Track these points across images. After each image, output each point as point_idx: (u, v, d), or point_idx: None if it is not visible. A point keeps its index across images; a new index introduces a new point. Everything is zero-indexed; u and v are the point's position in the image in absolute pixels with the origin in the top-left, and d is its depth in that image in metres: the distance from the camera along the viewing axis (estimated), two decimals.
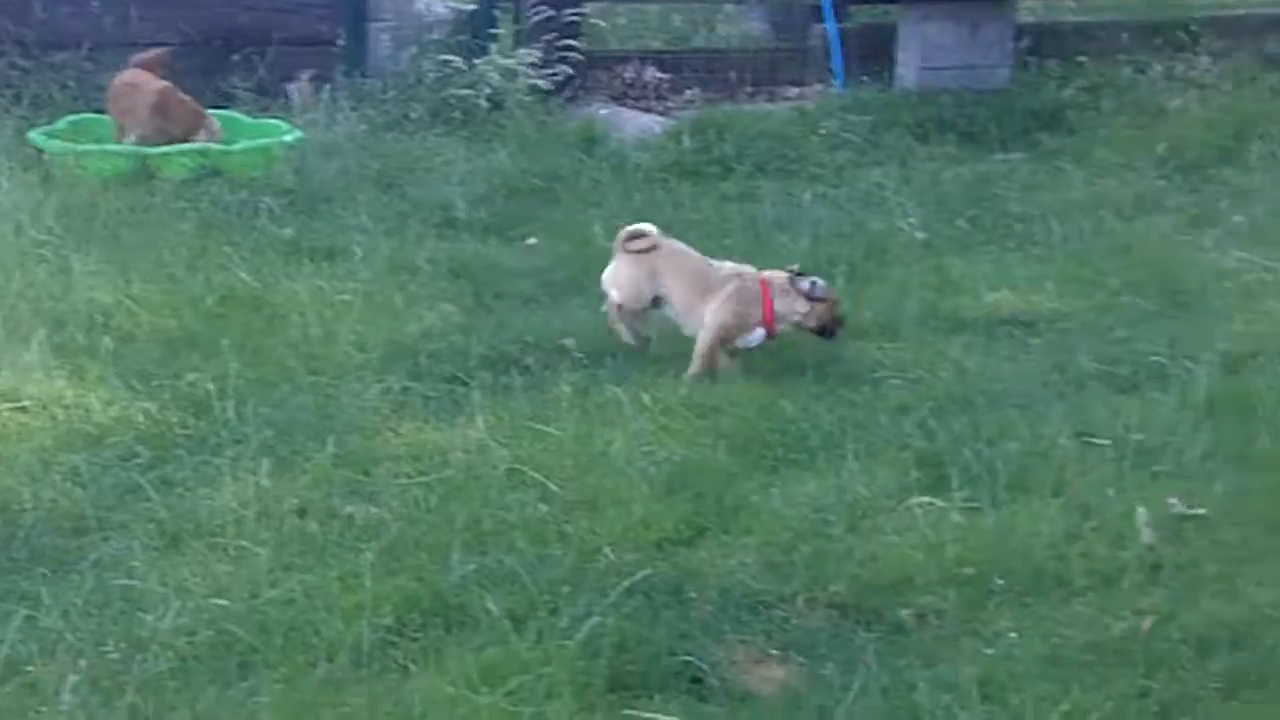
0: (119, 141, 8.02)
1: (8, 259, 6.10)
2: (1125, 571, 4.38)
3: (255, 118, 8.57)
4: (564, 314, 6.18)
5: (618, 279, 5.88)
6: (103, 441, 5.00)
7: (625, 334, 5.89)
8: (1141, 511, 4.60)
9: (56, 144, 7.82)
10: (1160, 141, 8.61)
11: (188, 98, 8.14)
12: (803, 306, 5.78)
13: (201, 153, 7.87)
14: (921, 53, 9.45)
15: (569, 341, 5.84)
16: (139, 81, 8.15)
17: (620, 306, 5.87)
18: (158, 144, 7.89)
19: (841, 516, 4.64)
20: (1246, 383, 5.53)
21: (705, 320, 5.74)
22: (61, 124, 8.23)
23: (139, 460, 4.89)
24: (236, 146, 8.04)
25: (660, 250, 5.89)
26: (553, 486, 4.76)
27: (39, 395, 5.23)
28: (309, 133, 8.27)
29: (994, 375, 5.71)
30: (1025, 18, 10.23)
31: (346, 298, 6.20)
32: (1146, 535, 4.53)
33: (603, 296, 5.96)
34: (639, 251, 5.89)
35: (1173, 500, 4.70)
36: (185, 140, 7.97)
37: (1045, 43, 9.95)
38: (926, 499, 4.71)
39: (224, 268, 6.45)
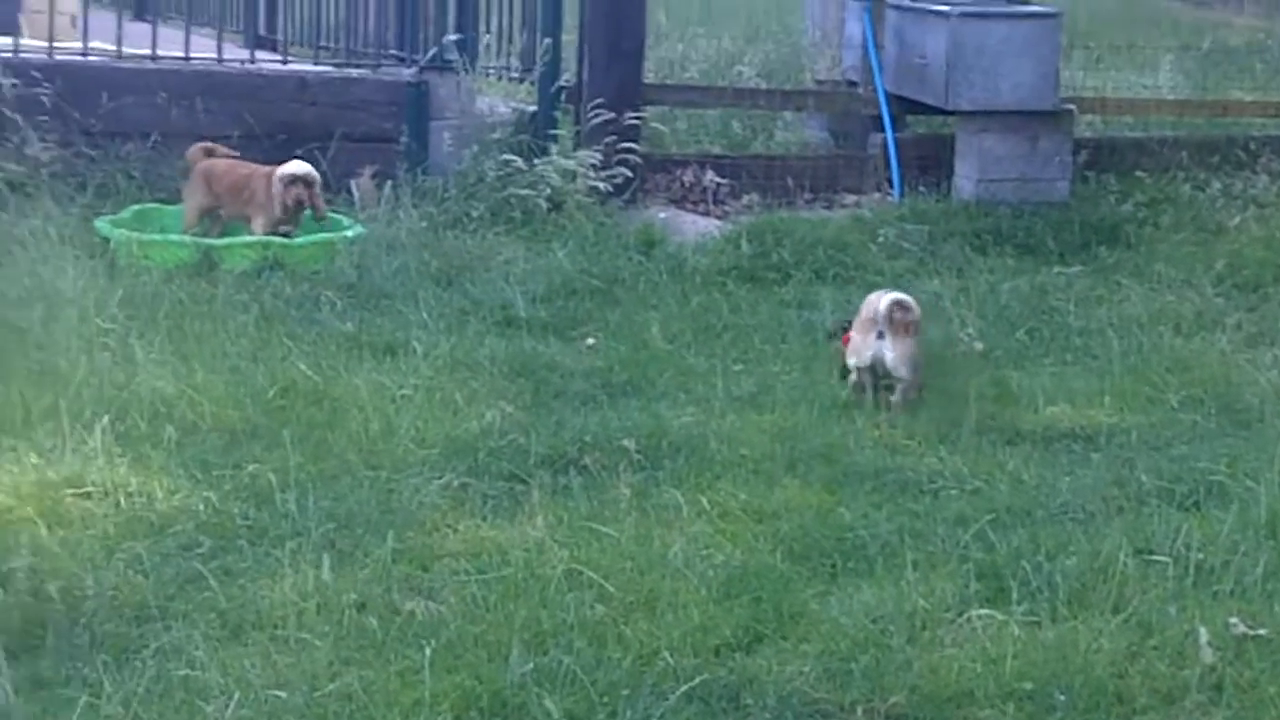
0: (253, 232, 8.10)
1: (73, 346, 6.17)
2: (1187, 691, 4.35)
3: None
4: (622, 414, 6.21)
5: (904, 357, 6.33)
6: (165, 530, 5.04)
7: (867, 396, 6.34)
8: (1203, 631, 4.58)
9: (121, 233, 7.92)
10: (1219, 259, 8.63)
11: None
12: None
13: (264, 245, 7.96)
14: (979, 164, 9.51)
15: (628, 442, 5.86)
16: (251, 170, 8.27)
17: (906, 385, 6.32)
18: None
19: (900, 626, 4.64)
20: None
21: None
22: (126, 213, 8.34)
23: (201, 549, 4.93)
24: (299, 240, 8.14)
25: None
26: (611, 588, 4.77)
27: (103, 482, 5.27)
28: (371, 228, 8.36)
29: (1052, 489, 5.71)
30: (1084, 132, 10.30)
31: (407, 393, 6.25)
32: (1208, 655, 4.50)
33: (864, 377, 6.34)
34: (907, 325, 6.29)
35: (1234, 620, 4.67)
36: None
37: (1104, 157, 10.01)
38: (986, 611, 4.70)
39: (285, 360, 6.51)
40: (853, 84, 10.38)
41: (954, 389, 6.64)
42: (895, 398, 6.37)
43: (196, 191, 8.33)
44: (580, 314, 7.55)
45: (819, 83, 10.94)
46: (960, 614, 4.71)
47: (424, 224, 8.58)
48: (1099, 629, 4.63)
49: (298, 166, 8.18)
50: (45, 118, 8.68)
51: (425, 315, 7.27)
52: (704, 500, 5.42)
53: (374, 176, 9.00)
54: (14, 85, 8.63)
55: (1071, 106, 9.91)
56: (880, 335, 6.38)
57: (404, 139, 9.27)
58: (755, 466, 5.79)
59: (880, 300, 6.43)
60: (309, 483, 5.40)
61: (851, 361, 6.47)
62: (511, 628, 4.50)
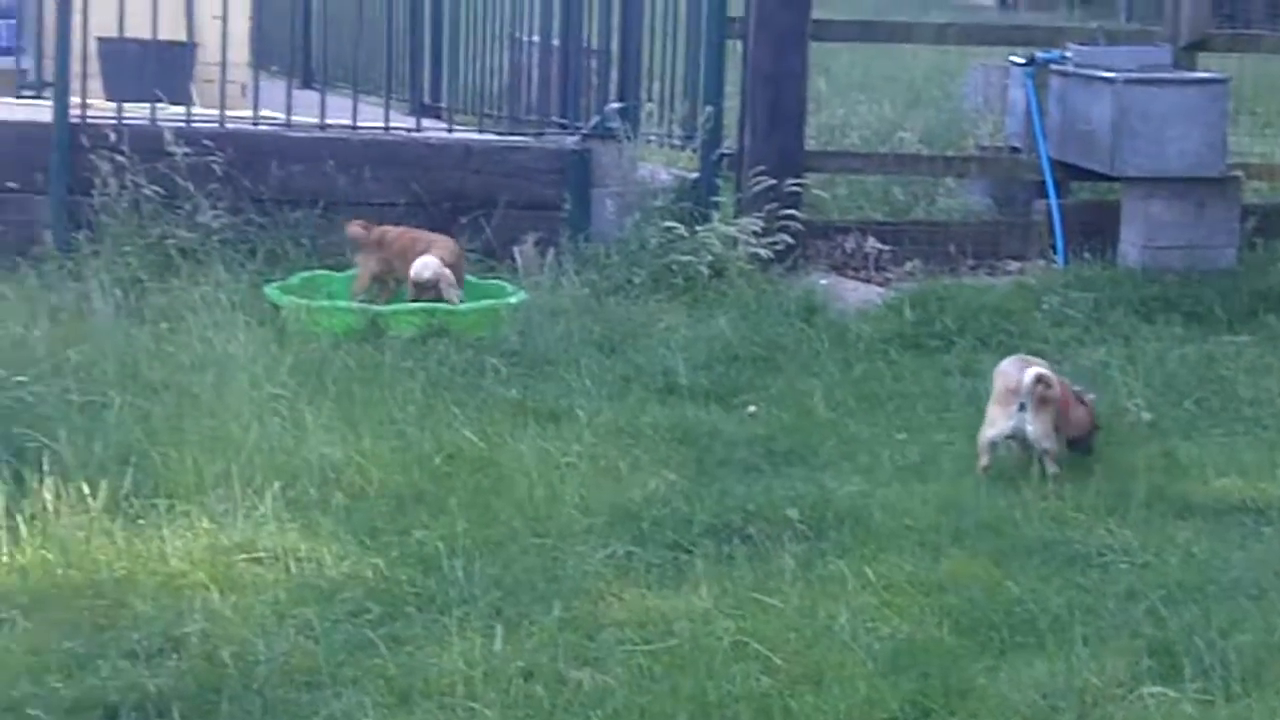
0: (453, 301, 8.21)
1: (244, 412, 6.27)
2: None
3: (481, 279, 8.76)
4: (786, 483, 6.20)
5: (1046, 430, 6.29)
6: (334, 596, 5.09)
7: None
8: None
9: (291, 299, 8.04)
10: None
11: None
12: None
13: (429, 312, 8.05)
14: (1145, 231, 9.40)
15: (792, 512, 5.85)
16: (419, 236, 8.41)
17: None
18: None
19: (1071, 703, 4.58)
20: None
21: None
22: (295, 279, 8.47)
23: (370, 616, 4.98)
24: (463, 307, 8.22)
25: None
26: (777, 660, 4.76)
27: (274, 547, 5.35)
28: (534, 294, 8.42)
29: (1224, 563, 5.61)
30: (1251, 198, 10.14)
31: (571, 460, 6.28)
32: None
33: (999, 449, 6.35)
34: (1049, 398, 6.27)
35: None
36: None
37: (1272, 224, 9.84)
38: (1158, 689, 4.64)
39: (451, 426, 6.57)
40: (1016, 150, 10.31)
41: (1122, 460, 6.56)
42: (1051, 469, 6.31)
43: (370, 257, 8.45)
44: (742, 381, 7.54)
45: (981, 148, 10.89)
46: (1132, 691, 4.65)
47: (586, 290, 8.63)
48: (1274, 707, 4.55)
49: (425, 268, 8.20)
50: (216, 185, 8.85)
51: (588, 382, 7.30)
52: (869, 571, 5.40)
53: (537, 243, 9.07)
54: (186, 154, 8.79)
55: (1239, 173, 9.77)
56: (1022, 408, 6.32)
57: (567, 206, 9.34)
58: (920, 537, 5.76)
59: (1020, 372, 6.39)
60: (475, 549, 5.44)
61: (989, 433, 6.40)
62: (678, 699, 4.50)
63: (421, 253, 8.31)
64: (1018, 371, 6.41)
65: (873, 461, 6.53)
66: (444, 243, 8.46)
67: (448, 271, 8.20)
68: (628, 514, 5.83)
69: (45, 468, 5.59)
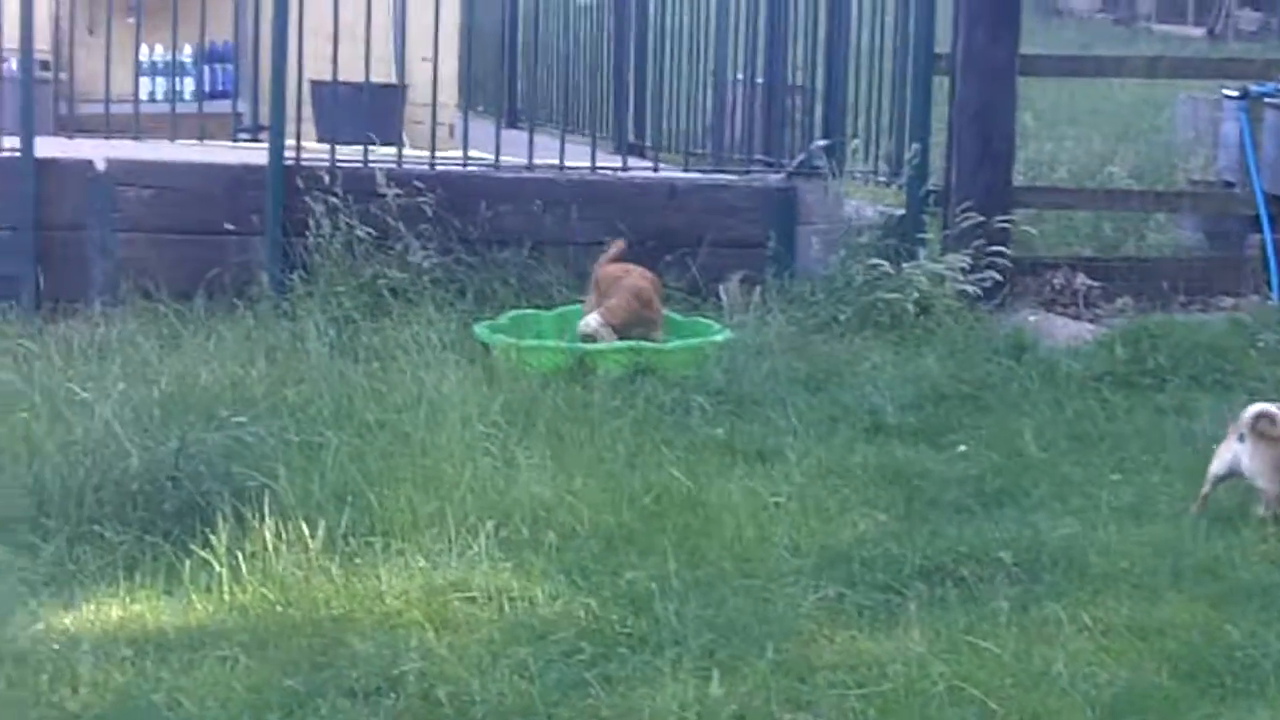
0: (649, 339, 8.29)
1: (457, 452, 6.34)
2: None
3: (686, 317, 8.79)
4: (997, 525, 6.13)
5: (1263, 467, 6.20)
6: (547, 635, 5.13)
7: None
8: None
9: (500, 338, 8.12)
10: None
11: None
12: None
13: (635, 351, 8.09)
14: None
15: (1004, 554, 5.78)
16: (625, 271, 8.52)
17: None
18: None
19: None
20: None
21: None
22: (504, 319, 8.55)
23: (582, 656, 5.00)
24: (669, 345, 8.25)
25: None
26: (993, 705, 4.71)
27: (487, 586, 5.40)
28: (739, 333, 8.43)
29: None
30: None
31: (780, 500, 6.27)
32: None
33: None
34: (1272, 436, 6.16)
35: None
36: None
37: None
38: None
39: (659, 466, 6.59)
40: (1229, 184, 10.14)
41: None
42: (1261, 510, 6.18)
43: (591, 294, 8.54)
44: (950, 420, 7.48)
45: (1193, 183, 10.72)
46: None
47: (792, 328, 8.63)
48: None
49: (585, 326, 8.24)
50: (426, 225, 8.96)
51: (795, 421, 7.29)
52: (1085, 615, 5.32)
53: (742, 281, 9.09)
54: (397, 195, 8.92)
55: None
56: (1240, 439, 6.21)
57: (772, 243, 9.35)
58: (1137, 581, 5.67)
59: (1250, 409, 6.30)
60: (686, 590, 5.45)
61: (1211, 467, 6.33)
62: None
63: (618, 285, 8.37)
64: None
65: (1086, 503, 6.45)
66: (635, 278, 8.48)
67: (607, 332, 8.23)
68: (838, 555, 5.81)
69: (265, 507, 5.70)
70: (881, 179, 9.99)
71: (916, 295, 8.90)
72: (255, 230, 8.98)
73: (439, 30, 9.79)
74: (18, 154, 8.86)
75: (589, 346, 8.14)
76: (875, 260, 9.04)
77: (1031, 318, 9.09)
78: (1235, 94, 9.96)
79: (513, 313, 8.66)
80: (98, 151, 9.18)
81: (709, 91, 10.87)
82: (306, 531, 5.59)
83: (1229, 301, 9.55)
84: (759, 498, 6.28)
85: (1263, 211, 9.60)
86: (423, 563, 5.55)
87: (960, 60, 9.44)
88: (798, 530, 6.01)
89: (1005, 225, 9.36)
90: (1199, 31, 25.84)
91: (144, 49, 10.89)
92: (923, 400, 7.69)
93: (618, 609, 5.32)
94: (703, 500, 6.26)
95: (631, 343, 8.18)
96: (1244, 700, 4.83)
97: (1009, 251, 9.31)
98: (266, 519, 5.62)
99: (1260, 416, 6.22)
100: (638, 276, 8.53)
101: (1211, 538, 6.05)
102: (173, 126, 10.00)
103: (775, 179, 9.67)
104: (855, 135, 9.97)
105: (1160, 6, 27.35)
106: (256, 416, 6.59)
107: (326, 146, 9.45)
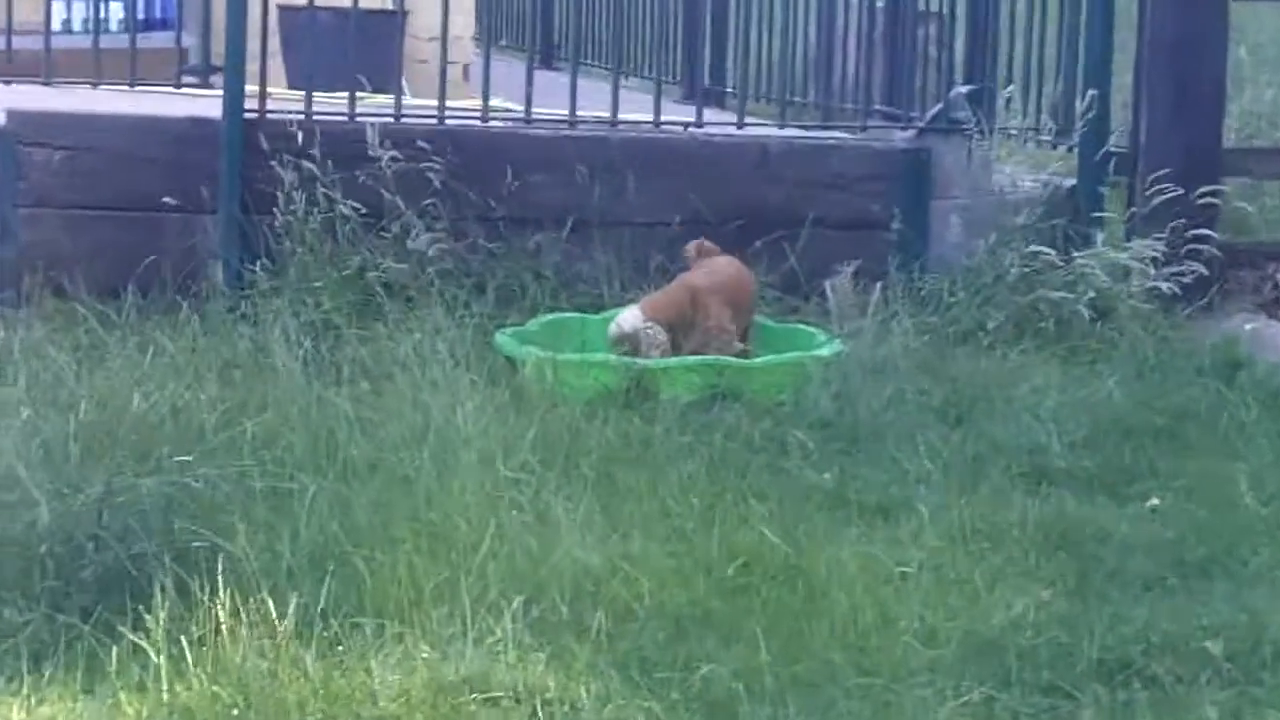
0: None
1: (475, 504, 6.35)
2: None
3: (781, 323, 8.80)
4: (1203, 605, 6.12)
5: None
6: None
7: None
8: None
9: (531, 351, 8.14)
10: None
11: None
12: None
13: (713, 368, 8.10)
14: None
15: (1211, 645, 5.77)
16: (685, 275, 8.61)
17: None
18: None
19: None
20: None
21: None
22: (535, 325, 8.59)
23: None
24: (758, 361, 8.26)
25: None
26: None
27: (513, 685, 5.40)
28: (852, 345, 8.44)
29: None
30: None
31: (908, 570, 6.27)
32: None
33: None
34: None
35: None
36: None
37: None
38: None
39: (746, 524, 6.59)
40: None
41: None
42: None
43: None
44: (1139, 464, 7.48)
45: None
46: None
47: (924, 338, 8.63)
48: None
49: (623, 322, 8.31)
50: (433, 200, 9.01)
51: (928, 463, 7.29)
52: None
53: (856, 275, 9.10)
54: (394, 159, 8.95)
55: None
56: None
57: (897, 225, 9.36)
58: None
59: None
60: (782, 691, 5.45)
61: None
62: None
63: (687, 281, 8.43)
64: None
65: None
66: (703, 270, 8.52)
67: (652, 330, 8.22)
68: (986, 645, 5.80)
69: (218, 576, 5.72)
70: (1045, 138, 9.98)
71: (1092, 295, 8.91)
72: (205, 206, 9.04)
73: None
74: None
75: (649, 363, 8.14)
76: (1036, 248, 9.03)
77: (1248, 325, 9.07)
78: None
79: (548, 317, 8.71)
80: None
81: (812, 21, 10.88)
82: (273, 609, 5.60)
83: None
84: (880, 567, 6.28)
85: None
86: (428, 652, 5.55)
87: None
88: (932, 611, 6.00)
89: (1212, 200, 9.34)
90: None
91: None
92: (1100, 436, 7.68)
93: (690, 715, 5.32)
94: (804, 570, 6.26)
95: (709, 358, 8.19)
96: None
97: (1217, 236, 9.28)
98: (220, 592, 5.63)
99: None
100: (708, 271, 8.55)
101: None
102: (96, 67, 10.07)
103: (902, 138, 9.68)
104: (1010, 79, 9.96)
105: None
106: (206, 455, 6.62)
107: (300, 94, 9.51)
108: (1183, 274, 9.07)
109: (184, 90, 10.48)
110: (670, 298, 8.42)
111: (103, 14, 11.18)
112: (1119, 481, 7.31)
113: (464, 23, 11.23)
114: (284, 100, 9.49)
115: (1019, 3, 10.05)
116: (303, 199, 8.85)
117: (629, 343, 8.24)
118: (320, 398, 7.48)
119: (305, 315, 8.46)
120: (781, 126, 10.17)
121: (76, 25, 11.41)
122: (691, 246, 8.79)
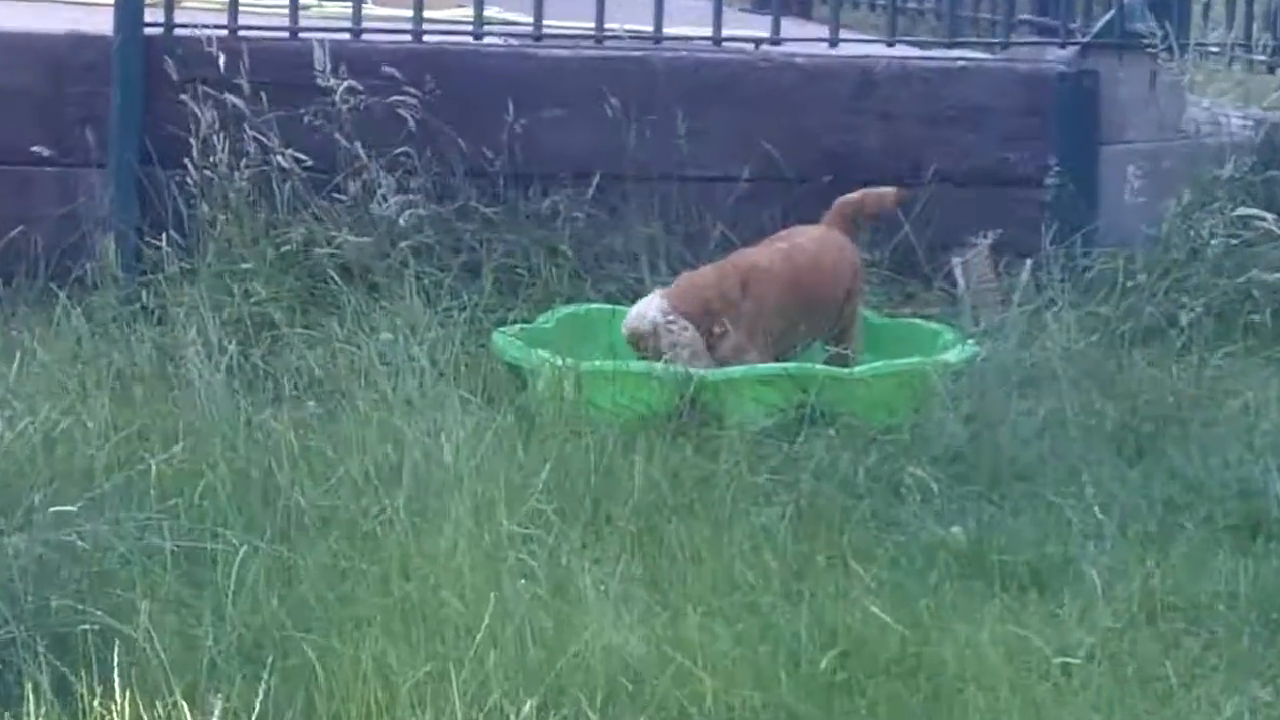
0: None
1: (472, 568, 6.35)
2: None
3: (892, 317, 8.81)
4: None
5: None
6: None
7: None
8: None
9: (542, 356, 8.14)
10: None
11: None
12: None
13: (793, 380, 8.09)
14: None
15: None
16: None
17: None
18: None
19: None
20: None
21: None
22: (548, 320, 8.60)
23: None
24: (861, 370, 8.27)
25: None
26: None
27: None
28: (991, 347, 8.43)
29: None
30: None
31: (1072, 661, 6.26)
32: None
33: None
34: None
35: None
36: None
37: None
38: None
39: (844, 597, 6.59)
40: None
41: None
42: None
43: None
44: None
45: None
46: None
47: (1092, 337, 8.64)
48: None
49: (639, 318, 8.35)
50: (406, 150, 9.05)
51: (1099, 513, 7.29)
52: None
53: (996, 248, 9.11)
54: (352, 91, 8.96)
55: None
56: None
57: (1052, 178, 9.36)
58: None
59: None
60: None
61: None
62: None
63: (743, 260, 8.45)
64: None
65: None
66: (766, 247, 8.56)
67: (676, 326, 8.19)
68: None
69: (113, 671, 5.73)
70: (1259, 57, 9.99)
71: None
72: (90, 158, 9.07)
73: None
74: None
75: (708, 374, 8.12)
76: (1247, 210, 9.03)
77: None
78: None
79: (566, 310, 8.72)
80: None
81: None
82: (188, 717, 5.62)
83: None
84: (1033, 657, 6.28)
85: None
86: None
87: None
88: (1108, 716, 6.00)
89: None
90: None
91: None
92: None
93: None
94: (926, 661, 6.26)
95: (789, 365, 8.19)
96: None
97: None
98: (114, 693, 5.65)
99: None
100: (781, 247, 8.54)
101: None
102: None
103: (1059, 57, 9.69)
104: None
105: None
106: (95, 504, 6.64)
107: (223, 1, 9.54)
108: None
109: None
110: (708, 280, 8.37)
111: None
112: None
113: None
114: (200, 9, 9.50)
115: None
116: (226, 147, 8.87)
117: (646, 343, 8.20)
118: (251, 423, 7.51)
119: (230, 309, 8.48)
120: (891, 44, 10.20)
121: None
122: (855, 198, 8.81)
